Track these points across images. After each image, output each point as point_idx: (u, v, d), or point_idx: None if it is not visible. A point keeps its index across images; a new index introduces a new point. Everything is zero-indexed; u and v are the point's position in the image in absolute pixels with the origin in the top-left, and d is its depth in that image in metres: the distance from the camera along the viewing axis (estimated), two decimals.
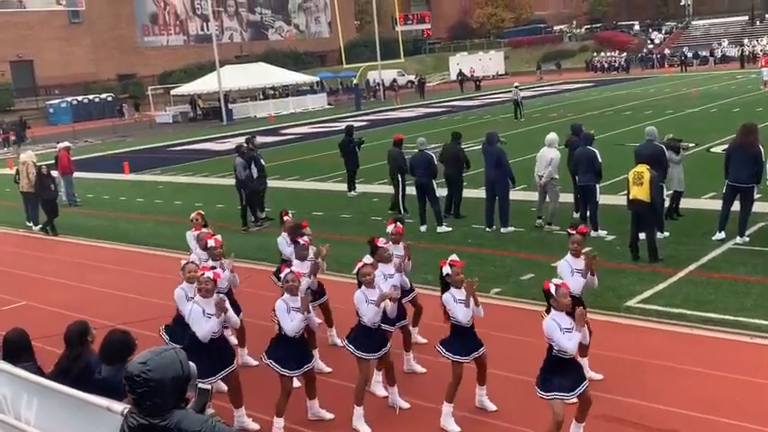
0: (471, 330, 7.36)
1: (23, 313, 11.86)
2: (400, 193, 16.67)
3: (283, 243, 9.63)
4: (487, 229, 14.78)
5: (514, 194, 15.40)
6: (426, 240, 13.95)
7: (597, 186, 13.70)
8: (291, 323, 7.17)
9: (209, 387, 4.07)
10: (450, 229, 15.10)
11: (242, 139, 18.30)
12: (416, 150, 15.55)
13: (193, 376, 3.80)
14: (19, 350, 6.01)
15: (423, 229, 15.23)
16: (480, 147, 15.95)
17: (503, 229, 14.62)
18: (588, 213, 13.85)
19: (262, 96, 59.01)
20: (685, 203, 14.75)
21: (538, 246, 13.47)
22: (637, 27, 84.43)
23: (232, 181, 17.71)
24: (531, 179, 15.41)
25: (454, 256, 7.35)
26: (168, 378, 3.63)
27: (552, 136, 14.78)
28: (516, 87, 36.87)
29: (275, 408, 7.35)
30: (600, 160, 13.61)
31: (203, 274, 7.40)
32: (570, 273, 7.78)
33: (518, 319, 10.07)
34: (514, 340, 9.28)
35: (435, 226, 15.14)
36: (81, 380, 5.71)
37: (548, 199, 14.64)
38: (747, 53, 65.68)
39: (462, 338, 7.32)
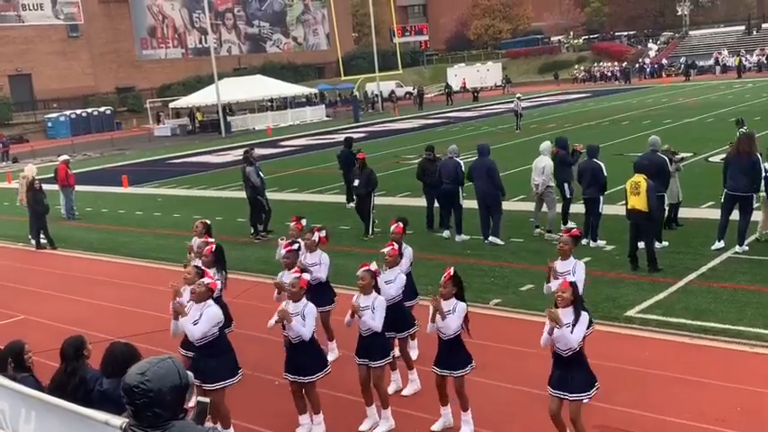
0: (443, 343, 7.31)
1: (21, 327, 11.82)
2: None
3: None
4: (486, 242, 14.74)
5: (513, 205, 15.41)
6: (427, 251, 13.92)
7: (601, 198, 13.71)
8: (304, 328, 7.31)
9: (207, 400, 4.06)
10: (468, 237, 15.03)
11: (241, 152, 18.31)
12: (447, 157, 15.47)
13: (191, 385, 3.78)
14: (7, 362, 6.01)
15: (446, 234, 15.29)
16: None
17: (490, 238, 14.56)
18: (591, 224, 13.85)
19: (229, 112, 58.58)
20: (684, 213, 14.75)
21: (537, 256, 13.43)
22: (642, 40, 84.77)
23: (231, 194, 17.71)
24: (527, 189, 15.42)
25: (451, 270, 7.36)
26: (167, 387, 3.61)
27: (546, 144, 14.88)
28: (518, 98, 36.99)
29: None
30: (605, 174, 13.60)
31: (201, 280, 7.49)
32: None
33: (517, 330, 10.04)
34: (514, 351, 9.26)
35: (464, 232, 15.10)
36: (77, 394, 5.69)
37: (545, 208, 14.63)
38: (756, 63, 66.04)
39: (439, 349, 7.39)
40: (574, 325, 6.49)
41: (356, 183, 16.31)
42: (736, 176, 12.55)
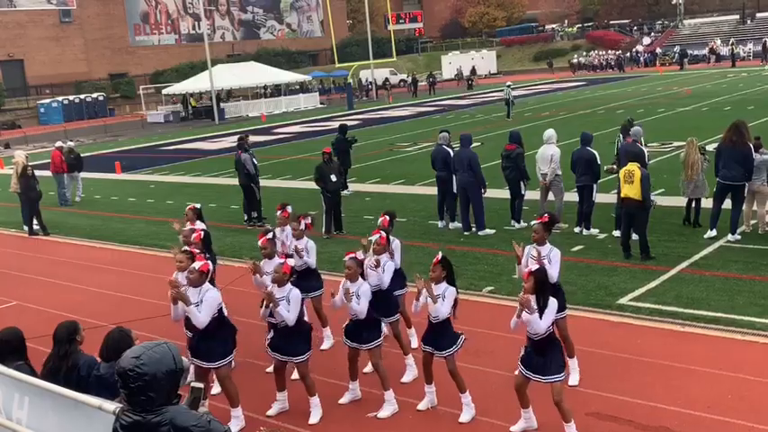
0: (431, 325, 7.43)
1: (14, 313, 11.81)
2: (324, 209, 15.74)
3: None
4: (465, 233, 14.62)
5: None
6: (420, 239, 13.94)
7: (595, 186, 13.71)
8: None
9: (201, 385, 4.07)
10: (461, 224, 15.02)
11: (235, 139, 18.25)
12: (437, 145, 15.34)
13: (186, 370, 3.79)
14: (11, 349, 5.97)
15: (441, 225, 15.28)
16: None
17: (480, 233, 14.51)
18: (584, 212, 13.84)
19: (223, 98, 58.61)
20: (677, 202, 14.73)
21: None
22: (637, 29, 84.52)
23: (224, 180, 17.66)
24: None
25: (439, 254, 7.42)
26: (162, 372, 3.61)
27: (550, 132, 14.73)
28: (508, 86, 36.92)
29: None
30: (599, 162, 13.61)
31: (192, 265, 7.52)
32: (527, 259, 8.19)
33: (510, 316, 10.03)
34: (506, 338, 9.27)
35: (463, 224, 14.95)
36: (70, 378, 5.70)
37: (551, 197, 14.54)
38: (753, 51, 66.02)
39: (427, 329, 7.51)
40: (541, 312, 6.62)
41: (333, 178, 15.40)
42: (728, 165, 12.57)
